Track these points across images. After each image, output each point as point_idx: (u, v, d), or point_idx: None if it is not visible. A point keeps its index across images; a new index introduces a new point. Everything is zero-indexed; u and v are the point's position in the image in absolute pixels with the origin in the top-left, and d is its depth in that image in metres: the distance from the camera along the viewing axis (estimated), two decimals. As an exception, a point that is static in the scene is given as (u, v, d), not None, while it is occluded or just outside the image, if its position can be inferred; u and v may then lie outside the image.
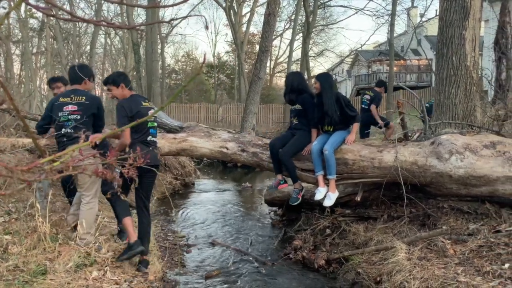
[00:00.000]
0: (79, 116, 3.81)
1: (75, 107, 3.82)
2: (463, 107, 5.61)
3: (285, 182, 5.01)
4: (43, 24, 21.26)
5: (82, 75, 3.92)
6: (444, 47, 5.76)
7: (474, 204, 4.14)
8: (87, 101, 3.87)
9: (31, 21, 22.23)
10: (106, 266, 3.68)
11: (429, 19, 21.25)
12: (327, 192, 4.49)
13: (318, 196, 4.45)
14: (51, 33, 19.80)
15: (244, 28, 28.97)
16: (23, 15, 17.72)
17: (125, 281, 3.50)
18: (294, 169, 4.68)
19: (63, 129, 3.79)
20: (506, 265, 3.09)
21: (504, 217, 3.84)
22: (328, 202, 4.47)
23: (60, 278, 3.28)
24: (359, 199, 4.62)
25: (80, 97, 3.87)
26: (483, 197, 4.07)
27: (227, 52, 39.76)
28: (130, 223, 3.79)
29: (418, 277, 3.20)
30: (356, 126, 4.61)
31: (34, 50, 24.53)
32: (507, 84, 6.41)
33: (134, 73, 21.32)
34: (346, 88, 37.21)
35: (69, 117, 3.81)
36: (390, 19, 17.44)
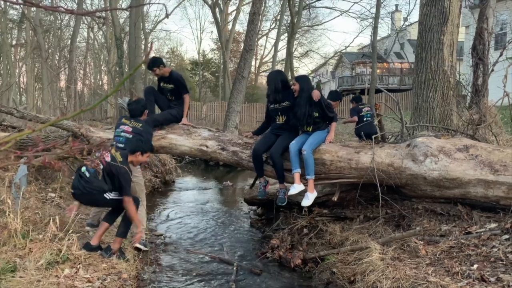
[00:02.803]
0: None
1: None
2: (440, 110, 5.73)
3: (267, 181, 5.03)
4: (23, 16, 20.73)
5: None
6: (423, 51, 5.88)
7: (447, 206, 4.23)
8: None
9: (11, 11, 21.67)
10: (79, 263, 3.62)
11: (411, 23, 21.59)
12: (305, 192, 4.51)
13: (292, 191, 4.45)
14: (30, 25, 19.31)
15: (230, 26, 28.87)
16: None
17: (98, 279, 3.45)
18: (283, 169, 4.67)
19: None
20: (475, 266, 3.16)
21: (475, 219, 3.94)
22: (306, 202, 4.49)
23: (30, 276, 3.22)
24: (336, 199, 4.66)
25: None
26: (456, 199, 4.16)
27: (212, 49, 39.53)
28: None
29: (390, 277, 3.25)
30: (334, 126, 4.66)
31: (14, 42, 23.89)
32: (483, 89, 6.56)
33: (117, 69, 20.99)
34: (330, 89, 37.49)
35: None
36: (373, 22, 17.65)
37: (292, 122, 4.70)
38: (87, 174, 3.88)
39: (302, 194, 4.58)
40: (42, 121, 5.73)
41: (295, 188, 4.44)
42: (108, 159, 3.86)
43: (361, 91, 27.02)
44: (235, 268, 4.27)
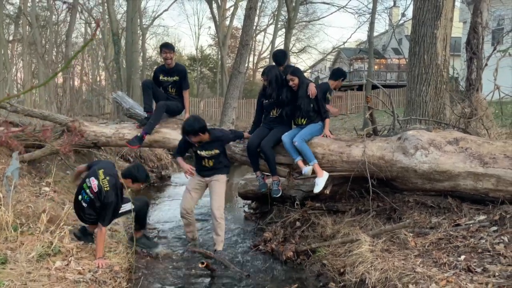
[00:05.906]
0: None
1: None
2: (433, 104, 5.75)
3: (264, 175, 5.05)
4: (19, 11, 20.65)
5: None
6: (416, 46, 5.88)
7: (438, 199, 4.25)
8: None
9: (7, 6, 21.56)
10: (70, 256, 3.63)
11: (408, 19, 21.55)
12: (315, 177, 4.51)
13: (305, 171, 4.46)
14: (27, 20, 19.24)
15: (227, 22, 28.80)
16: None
17: (89, 271, 3.46)
18: (275, 161, 4.69)
19: None
20: (462, 257, 3.19)
21: (464, 211, 3.96)
22: (317, 188, 4.47)
23: (21, 268, 3.23)
24: (328, 192, 4.67)
25: None
26: (446, 192, 4.18)
27: (210, 45, 39.46)
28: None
29: (379, 268, 3.28)
30: (328, 121, 4.67)
31: (11, 38, 23.81)
32: (477, 84, 6.58)
33: (114, 64, 20.94)
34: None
35: None
36: (370, 17, 17.63)
37: (298, 114, 4.68)
38: (84, 205, 3.81)
39: (298, 188, 4.59)
40: (36, 115, 5.74)
41: (306, 169, 4.44)
42: (96, 189, 3.73)
43: (359, 86, 27.00)
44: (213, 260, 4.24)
